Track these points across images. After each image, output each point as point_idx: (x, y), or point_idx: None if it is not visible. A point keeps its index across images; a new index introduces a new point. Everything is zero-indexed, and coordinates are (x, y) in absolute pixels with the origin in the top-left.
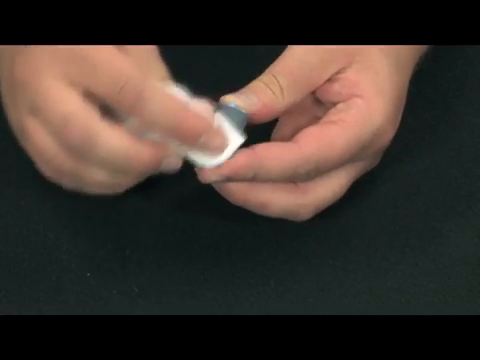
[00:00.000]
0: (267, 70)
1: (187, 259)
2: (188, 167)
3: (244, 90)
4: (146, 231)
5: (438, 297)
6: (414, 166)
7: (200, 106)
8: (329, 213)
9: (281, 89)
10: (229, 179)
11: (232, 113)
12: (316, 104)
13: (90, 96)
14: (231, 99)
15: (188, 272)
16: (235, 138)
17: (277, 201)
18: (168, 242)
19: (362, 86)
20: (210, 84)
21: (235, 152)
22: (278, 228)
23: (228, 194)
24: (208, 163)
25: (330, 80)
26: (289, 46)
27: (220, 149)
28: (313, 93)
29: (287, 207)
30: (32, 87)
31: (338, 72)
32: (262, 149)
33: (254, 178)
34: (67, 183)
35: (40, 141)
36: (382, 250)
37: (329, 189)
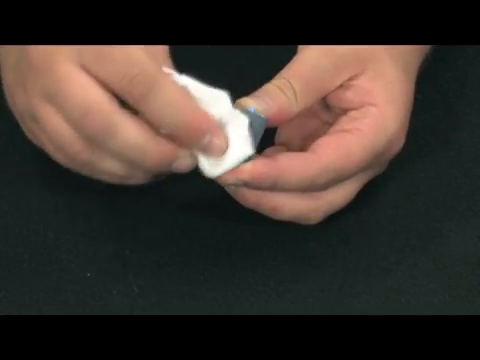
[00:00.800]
0: (279, 74)
1: (187, 259)
2: None
3: (258, 93)
4: (146, 231)
5: (438, 297)
6: (414, 166)
7: (214, 94)
8: None
9: (295, 93)
10: (247, 185)
11: (252, 118)
12: (324, 109)
13: (102, 85)
14: (249, 102)
15: (188, 272)
16: (244, 148)
17: (289, 205)
18: (168, 242)
19: (375, 94)
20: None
21: (241, 163)
22: (278, 228)
23: (241, 197)
24: (212, 172)
25: (342, 87)
26: (300, 50)
27: (221, 151)
28: (322, 98)
29: (298, 211)
30: (48, 72)
31: (350, 79)
32: (283, 160)
33: (272, 188)
34: (80, 170)
35: (55, 128)
36: (382, 250)
37: (340, 195)
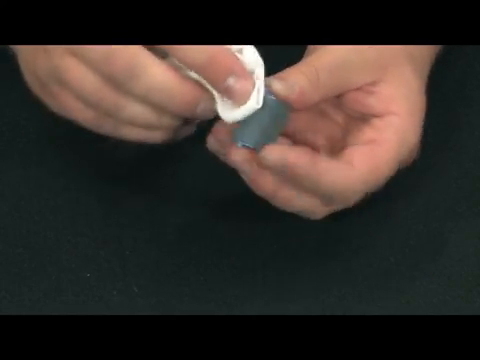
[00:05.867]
0: (308, 60)
1: (187, 259)
2: (188, 167)
3: (284, 75)
4: (146, 231)
5: (438, 297)
6: (414, 166)
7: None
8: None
9: (319, 83)
10: (283, 169)
11: (275, 105)
12: (336, 109)
13: None
14: (275, 85)
15: (188, 272)
16: (254, 103)
17: (302, 199)
18: (168, 242)
19: (398, 103)
20: None
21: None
22: (278, 228)
23: (262, 182)
24: (227, 116)
25: (364, 92)
26: (328, 46)
27: (244, 96)
28: (338, 99)
29: (308, 206)
30: None
31: (372, 84)
32: (322, 163)
33: (301, 183)
34: (104, 124)
35: (80, 77)
36: (382, 250)
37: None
